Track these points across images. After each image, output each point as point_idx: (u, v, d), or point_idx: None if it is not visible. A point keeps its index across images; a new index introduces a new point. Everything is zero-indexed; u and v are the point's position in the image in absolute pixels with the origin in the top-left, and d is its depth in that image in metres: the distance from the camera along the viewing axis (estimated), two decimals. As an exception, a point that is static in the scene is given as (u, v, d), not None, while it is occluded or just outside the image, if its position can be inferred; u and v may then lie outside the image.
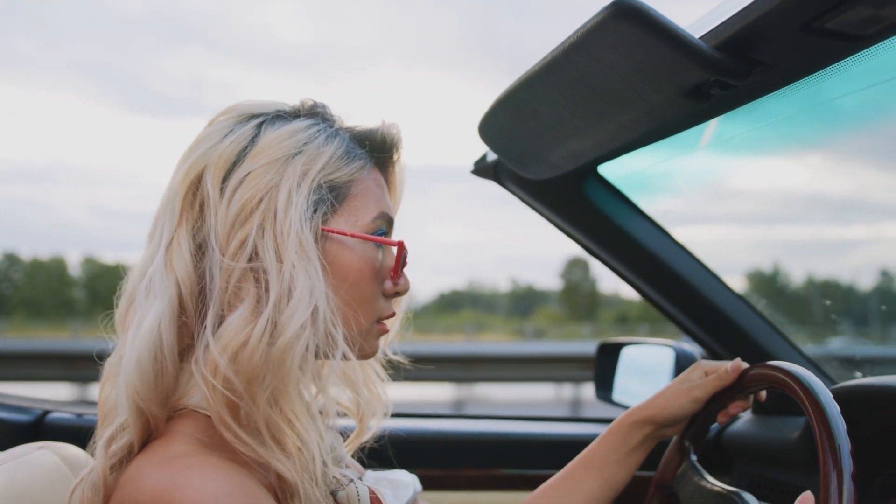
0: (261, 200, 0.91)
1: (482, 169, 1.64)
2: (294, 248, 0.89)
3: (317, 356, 0.92)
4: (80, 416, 1.70)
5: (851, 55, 0.93)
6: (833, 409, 1.03)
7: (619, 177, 1.61)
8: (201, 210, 0.93)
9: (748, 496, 1.18)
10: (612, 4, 0.90)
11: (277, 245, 0.89)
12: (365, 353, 1.02)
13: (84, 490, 0.90)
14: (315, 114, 1.02)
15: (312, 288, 0.88)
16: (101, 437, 0.93)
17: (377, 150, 1.04)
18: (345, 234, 0.96)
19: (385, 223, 1.02)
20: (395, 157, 1.08)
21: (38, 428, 1.65)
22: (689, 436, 1.36)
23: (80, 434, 1.56)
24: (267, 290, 0.88)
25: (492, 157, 1.60)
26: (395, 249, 1.01)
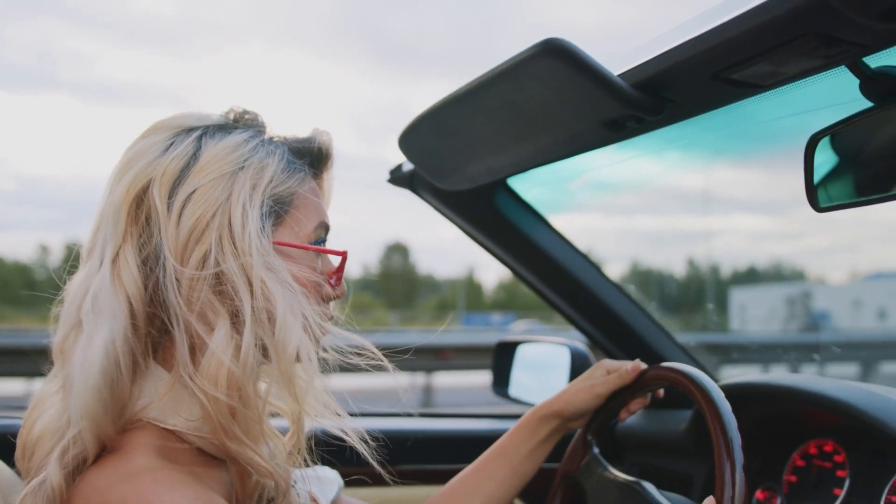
0: (213, 216, 0.92)
1: (398, 178, 1.70)
2: (259, 263, 0.92)
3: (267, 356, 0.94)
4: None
5: (747, 97, 1.06)
6: (726, 407, 1.17)
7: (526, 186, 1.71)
8: (147, 224, 0.93)
9: (647, 485, 1.31)
10: (543, 42, 0.99)
11: (242, 261, 0.92)
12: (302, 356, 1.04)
13: (36, 501, 0.89)
14: (248, 124, 1.04)
15: (292, 301, 0.93)
16: (53, 450, 0.91)
17: (315, 160, 1.08)
18: (294, 247, 0.99)
19: (323, 231, 1.06)
20: (329, 165, 1.12)
21: None
22: (592, 430, 1.48)
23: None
24: (240, 307, 0.91)
25: (408, 167, 1.67)
26: (338, 258, 1.06)
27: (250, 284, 0.91)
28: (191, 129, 0.99)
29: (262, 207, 0.96)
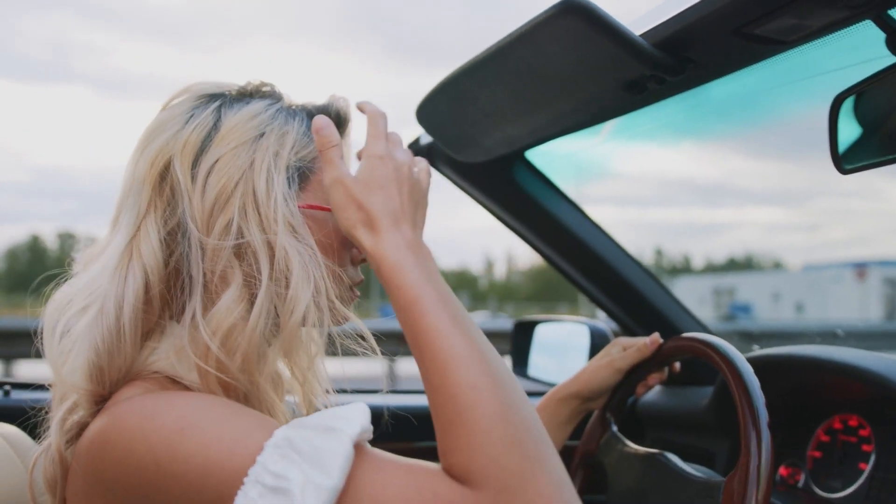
0: (237, 184, 0.92)
1: (416, 151, 1.69)
2: (283, 229, 0.92)
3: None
4: (6, 393, 1.67)
5: (771, 56, 1.04)
6: (751, 376, 1.15)
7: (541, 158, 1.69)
8: (171, 197, 0.93)
9: (671, 455, 1.29)
10: (562, 2, 0.98)
11: (263, 226, 0.91)
12: (338, 320, 1.03)
13: (45, 464, 0.92)
14: (265, 94, 1.03)
15: (306, 264, 0.92)
16: (54, 416, 0.94)
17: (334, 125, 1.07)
18: (321, 209, 0.99)
19: None
20: (347, 130, 1.10)
21: None
22: (611, 408, 1.47)
23: (8, 413, 1.53)
24: (258, 271, 0.90)
25: (426, 140, 1.66)
26: None
27: (272, 250, 0.91)
28: (210, 99, 0.99)
29: (287, 172, 0.96)
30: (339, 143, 0.93)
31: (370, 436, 0.79)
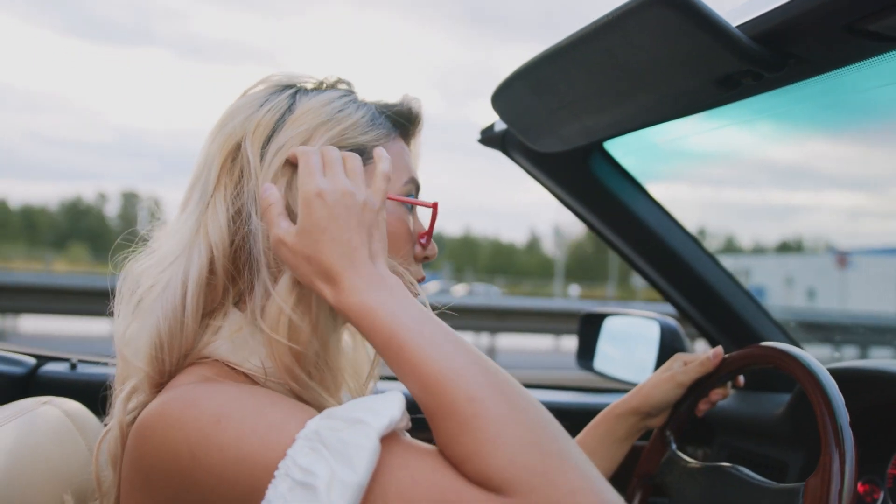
0: (295, 164, 0.94)
1: (489, 138, 1.65)
2: None
3: None
4: (73, 367, 1.69)
5: (882, 54, 0.96)
6: (835, 390, 1.08)
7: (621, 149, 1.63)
8: (240, 177, 0.95)
9: (738, 467, 1.23)
10: (656, -10, 0.92)
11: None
12: None
13: (110, 441, 0.94)
14: (341, 88, 1.05)
15: None
16: (119, 394, 0.96)
17: (403, 122, 1.07)
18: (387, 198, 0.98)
19: (414, 188, 1.05)
20: (418, 129, 1.11)
21: (31, 380, 1.64)
22: (671, 426, 1.41)
23: (75, 387, 1.56)
24: None
25: (500, 127, 1.61)
26: (426, 220, 1.05)
27: None
28: (286, 87, 1.01)
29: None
30: (276, 201, 0.90)
31: (406, 424, 0.78)
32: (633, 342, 1.96)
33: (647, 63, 1.06)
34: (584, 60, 1.12)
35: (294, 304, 0.90)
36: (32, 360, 1.66)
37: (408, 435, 0.81)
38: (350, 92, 1.04)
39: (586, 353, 2.08)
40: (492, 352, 11.52)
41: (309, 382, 0.90)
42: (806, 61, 0.98)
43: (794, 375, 1.15)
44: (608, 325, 2.06)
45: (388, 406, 0.76)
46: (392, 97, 1.09)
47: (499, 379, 0.78)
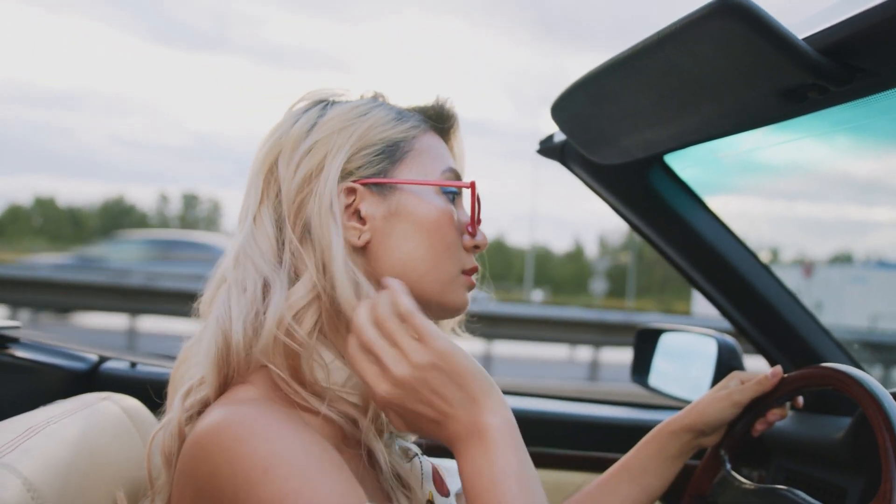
0: (321, 168, 0.97)
1: (548, 149, 1.65)
2: (326, 207, 0.96)
3: None
4: (133, 365, 1.74)
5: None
6: (894, 408, 1.05)
7: (683, 165, 1.61)
8: (278, 189, 0.99)
9: (798, 492, 1.20)
10: (719, 1, 0.91)
11: (320, 206, 0.96)
12: (454, 306, 1.03)
13: (164, 438, 0.96)
14: (373, 97, 1.08)
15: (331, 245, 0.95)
16: (177, 392, 0.99)
17: (435, 118, 1.09)
18: (412, 183, 1.00)
19: (454, 177, 1.05)
20: (453, 127, 1.12)
21: (94, 376, 1.69)
22: (726, 445, 1.38)
23: (133, 385, 1.60)
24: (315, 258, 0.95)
25: (559, 137, 1.61)
26: (468, 196, 1.06)
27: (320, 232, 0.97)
28: (322, 100, 1.05)
29: (363, 151, 1.00)
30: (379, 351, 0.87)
31: None
32: (689, 359, 1.93)
33: (709, 74, 1.05)
34: (645, 71, 1.12)
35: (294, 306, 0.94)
36: (95, 357, 1.72)
37: None
38: (379, 98, 1.08)
39: (641, 369, 2.05)
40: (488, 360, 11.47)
41: (298, 388, 0.93)
42: (875, 75, 0.96)
43: (854, 398, 1.12)
44: (664, 341, 2.03)
45: None
46: (426, 99, 1.11)
47: None
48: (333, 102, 1.04)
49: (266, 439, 0.82)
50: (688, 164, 1.60)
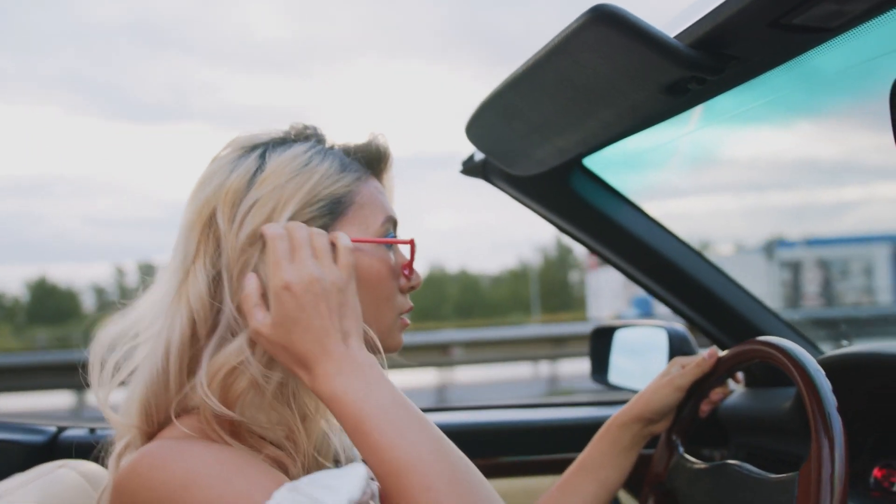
0: (266, 223, 0.97)
1: (471, 168, 1.69)
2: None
3: None
4: (92, 431, 1.74)
5: (816, 46, 0.99)
6: (820, 376, 1.09)
7: (605, 164, 1.66)
8: (217, 243, 0.98)
9: (744, 464, 1.24)
10: (590, 10, 0.95)
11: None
12: (392, 348, 1.07)
13: (108, 500, 0.96)
14: (308, 136, 1.07)
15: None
16: (112, 452, 1.01)
17: (373, 161, 1.10)
18: (362, 241, 1.02)
19: (392, 226, 1.08)
20: (388, 165, 1.13)
21: (53, 446, 1.69)
22: (676, 430, 1.42)
23: (94, 450, 1.60)
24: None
25: (479, 156, 1.65)
26: (407, 248, 1.08)
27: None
28: (254, 147, 1.03)
29: (310, 207, 0.99)
30: (251, 292, 0.93)
31: (367, 499, 0.83)
32: (644, 352, 1.97)
33: (598, 80, 1.09)
34: (541, 84, 1.16)
35: (224, 376, 0.94)
36: (53, 428, 1.72)
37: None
38: (318, 141, 1.06)
39: (600, 368, 2.08)
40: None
41: (232, 441, 0.93)
42: (746, 61, 1.01)
43: (782, 367, 1.16)
44: (619, 337, 2.07)
45: (348, 484, 0.81)
46: (359, 137, 1.11)
47: (457, 468, 0.84)
48: (268, 147, 1.02)
49: (179, 460, 0.85)
50: (608, 164, 1.65)
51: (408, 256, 1.09)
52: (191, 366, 0.96)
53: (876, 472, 1.44)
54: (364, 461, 0.86)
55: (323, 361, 0.89)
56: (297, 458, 0.96)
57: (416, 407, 0.89)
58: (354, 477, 0.82)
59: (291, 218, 0.97)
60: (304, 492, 0.79)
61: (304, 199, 0.98)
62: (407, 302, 1.09)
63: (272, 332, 0.91)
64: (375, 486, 0.98)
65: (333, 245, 0.96)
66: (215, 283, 0.96)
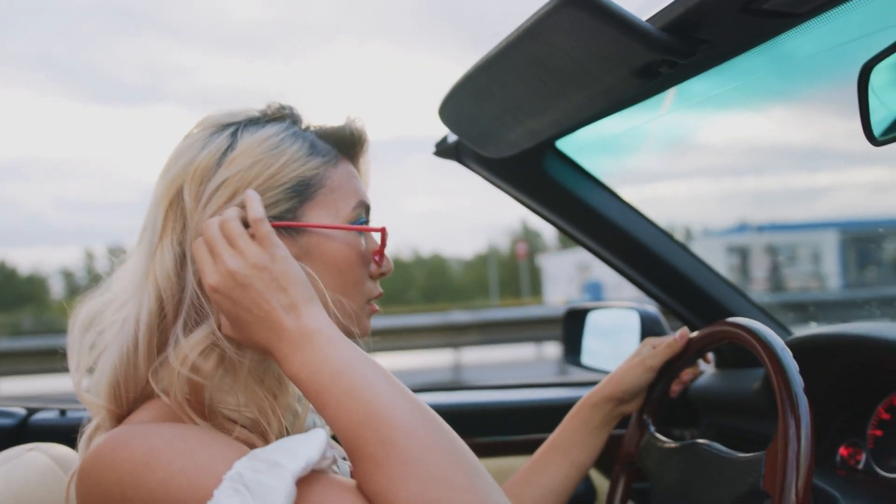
0: (232, 203, 0.96)
1: (444, 150, 1.68)
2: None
3: None
4: (63, 413, 1.73)
5: (787, 31, 0.99)
6: (787, 356, 1.11)
7: (580, 147, 1.66)
8: (183, 221, 0.97)
9: (709, 442, 1.26)
10: (562, -8, 0.95)
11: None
12: (361, 334, 1.06)
13: (75, 484, 0.95)
14: (283, 117, 1.05)
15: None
16: (83, 434, 1.00)
17: (347, 145, 1.08)
18: (328, 227, 1.00)
19: (364, 211, 1.06)
20: (364, 149, 1.12)
21: (23, 430, 1.67)
22: (647, 410, 1.43)
23: (65, 432, 1.59)
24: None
25: (452, 138, 1.64)
26: (378, 235, 1.07)
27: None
28: (226, 126, 1.02)
29: (275, 191, 0.98)
30: None
31: (328, 463, 0.82)
32: (616, 333, 1.98)
33: (570, 63, 1.09)
34: (514, 66, 1.16)
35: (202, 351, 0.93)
36: (23, 412, 1.70)
37: (337, 469, 0.85)
38: (293, 122, 1.04)
39: (573, 349, 2.09)
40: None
41: (201, 422, 0.92)
42: (716, 45, 1.01)
43: (750, 348, 1.18)
44: (591, 319, 2.08)
45: (307, 447, 0.80)
46: (336, 120, 1.09)
47: (416, 417, 0.83)
48: (241, 126, 1.01)
49: (142, 440, 0.84)
50: (580, 146, 1.65)
51: (379, 242, 1.08)
52: (160, 345, 0.95)
53: (842, 451, 1.47)
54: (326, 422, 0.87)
55: (278, 345, 0.88)
56: (271, 437, 0.95)
57: (374, 362, 0.88)
58: (314, 439, 0.81)
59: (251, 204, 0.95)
60: (262, 458, 0.79)
61: (268, 181, 0.97)
62: (376, 288, 1.08)
63: (232, 333, 0.92)
64: (340, 451, 0.98)
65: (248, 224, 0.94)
66: (181, 261, 0.96)
